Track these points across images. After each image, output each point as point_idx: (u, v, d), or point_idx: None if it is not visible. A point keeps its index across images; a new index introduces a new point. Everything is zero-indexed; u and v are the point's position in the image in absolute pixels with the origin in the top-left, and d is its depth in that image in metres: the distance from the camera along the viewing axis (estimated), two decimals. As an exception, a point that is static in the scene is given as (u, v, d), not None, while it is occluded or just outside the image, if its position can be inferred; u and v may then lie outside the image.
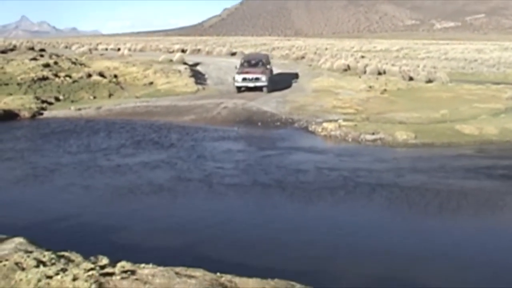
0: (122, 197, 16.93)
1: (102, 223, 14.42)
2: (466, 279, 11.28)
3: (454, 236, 14.00)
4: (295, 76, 47.91)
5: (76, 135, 26.24)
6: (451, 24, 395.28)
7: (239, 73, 39.78)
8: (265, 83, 38.93)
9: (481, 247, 13.35)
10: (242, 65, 41.62)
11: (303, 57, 64.94)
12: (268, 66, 41.92)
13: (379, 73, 50.04)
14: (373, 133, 25.67)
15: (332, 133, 26.34)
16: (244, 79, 39.02)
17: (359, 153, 23.09)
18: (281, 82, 43.32)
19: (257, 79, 38.84)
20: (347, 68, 52.42)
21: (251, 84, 38.90)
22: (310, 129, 27.65)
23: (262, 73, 39.39)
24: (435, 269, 11.61)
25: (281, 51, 75.44)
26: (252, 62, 41.87)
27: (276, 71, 49.35)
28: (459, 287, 10.94)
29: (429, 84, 44.85)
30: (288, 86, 42.24)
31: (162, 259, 9.62)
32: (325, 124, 27.41)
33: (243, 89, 39.35)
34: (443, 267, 11.71)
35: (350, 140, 25.37)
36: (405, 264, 11.97)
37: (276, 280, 8.79)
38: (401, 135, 25.28)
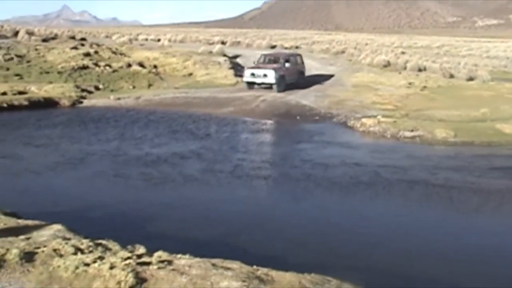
0: (155, 186, 17.05)
1: (135, 212, 14.50)
2: None
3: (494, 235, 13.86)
4: (333, 72, 47.48)
5: (114, 124, 26.46)
6: (494, 21, 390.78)
7: (249, 67, 38.70)
8: (273, 81, 36.25)
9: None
10: (259, 60, 39.99)
11: (343, 52, 64.59)
12: (287, 65, 38.53)
13: (420, 70, 49.61)
14: (412, 130, 25.48)
15: (371, 129, 26.21)
16: (252, 75, 37.14)
17: (397, 150, 22.94)
18: (320, 76, 43.14)
19: (265, 76, 36.47)
20: (387, 64, 52.05)
21: (258, 80, 36.87)
22: (348, 124, 27.53)
23: (273, 70, 36.68)
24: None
25: (321, 45, 75.08)
26: (269, 59, 39.78)
27: (315, 65, 49.21)
28: None
29: (470, 82, 44.30)
30: (327, 80, 41.89)
31: (196, 248, 9.64)
32: (364, 120, 27.29)
33: (255, 86, 37.34)
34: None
35: (388, 136, 25.22)
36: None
37: (312, 274, 8.75)
38: (441, 133, 25.05)
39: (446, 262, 11.66)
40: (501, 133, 25.58)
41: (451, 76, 47.09)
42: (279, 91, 36.11)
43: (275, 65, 37.77)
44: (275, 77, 36.18)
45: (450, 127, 25.73)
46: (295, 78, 38.99)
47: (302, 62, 41.61)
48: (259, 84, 37.01)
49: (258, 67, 37.73)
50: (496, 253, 12.56)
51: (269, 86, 36.68)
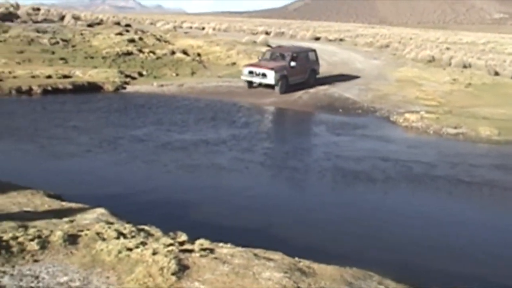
0: (190, 173, 17.26)
1: (168, 198, 14.62)
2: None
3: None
4: (376, 66, 47.06)
5: (155, 110, 26.60)
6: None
7: (247, 65, 35.19)
8: (272, 82, 32.74)
9: None
10: (263, 57, 36.30)
11: (387, 46, 64.14)
12: (293, 64, 34.17)
13: (464, 66, 49.08)
14: (455, 127, 25.27)
15: (414, 124, 26.04)
16: (250, 73, 33.61)
17: (440, 146, 22.77)
18: (363, 70, 42.91)
19: (263, 76, 32.92)
20: (432, 59, 51.61)
21: (257, 80, 33.38)
22: (391, 119, 27.36)
23: (273, 70, 32.82)
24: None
25: (365, 38, 74.62)
26: (275, 55, 35.60)
27: (359, 58, 48.99)
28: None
29: (516, 80, 43.81)
30: (369, 75, 41.55)
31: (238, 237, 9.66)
32: (407, 115, 27.13)
33: (254, 84, 33.88)
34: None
35: (431, 132, 25.03)
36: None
37: (354, 269, 8.71)
38: (484, 131, 24.82)
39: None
40: (547, 133, 25.25)
41: (496, 73, 46.48)
42: (281, 92, 33.02)
43: (278, 64, 33.93)
44: (275, 78, 32.74)
45: (494, 125, 25.47)
46: (303, 77, 35.37)
47: (316, 59, 37.26)
48: (258, 84, 33.65)
49: (258, 65, 34.10)
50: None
51: (270, 86, 33.28)
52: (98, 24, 60.32)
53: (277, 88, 33.05)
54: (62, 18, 60.25)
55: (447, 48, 69.64)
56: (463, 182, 17.74)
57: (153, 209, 13.43)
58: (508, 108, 30.46)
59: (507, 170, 19.62)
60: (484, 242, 13.09)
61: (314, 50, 37.78)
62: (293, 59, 34.44)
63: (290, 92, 32.37)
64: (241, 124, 24.68)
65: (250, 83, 34.02)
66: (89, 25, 56.93)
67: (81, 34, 47.88)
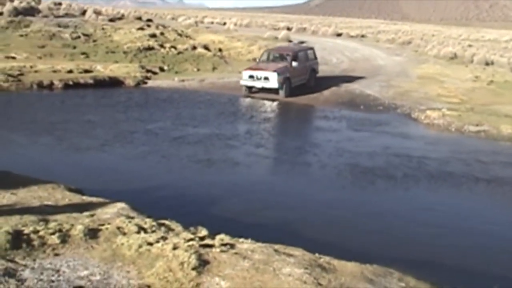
0: (211, 167, 17.38)
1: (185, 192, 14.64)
2: None
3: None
4: (398, 63, 46.80)
5: (176, 105, 26.73)
6: None
7: (247, 68, 32.13)
8: (276, 85, 30.33)
9: None
10: (261, 58, 33.73)
11: (409, 42, 63.94)
12: (295, 64, 31.84)
13: (487, 64, 48.77)
14: (477, 125, 25.10)
15: (435, 121, 25.90)
16: (251, 77, 30.95)
17: (461, 144, 22.63)
18: (384, 67, 42.77)
19: (266, 79, 30.45)
20: (454, 56, 51.36)
21: (258, 84, 30.80)
22: (413, 116, 27.20)
23: (276, 72, 30.46)
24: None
25: (387, 35, 74.45)
26: (274, 56, 33.10)
27: (381, 55, 48.85)
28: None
29: (538, 78, 43.47)
30: (391, 72, 41.32)
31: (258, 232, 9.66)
32: (428, 112, 26.97)
33: (253, 89, 31.41)
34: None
35: (453, 130, 24.88)
36: None
37: (374, 266, 8.68)
38: (506, 129, 24.62)
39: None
40: None
41: (519, 71, 46.18)
42: (285, 96, 30.72)
43: (279, 65, 31.37)
44: (278, 81, 30.37)
45: (516, 123, 25.28)
46: (304, 78, 33.22)
47: (315, 58, 35.26)
48: (260, 88, 31.12)
49: (259, 68, 31.38)
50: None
51: (273, 91, 30.83)
52: (120, 19, 60.52)
53: (281, 92, 30.67)
54: (83, 12, 60.50)
55: (470, 45, 69.25)
56: (484, 180, 17.61)
57: (172, 204, 13.45)
58: (531, 106, 30.24)
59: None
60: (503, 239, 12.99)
61: (312, 48, 36.18)
62: (294, 59, 32.10)
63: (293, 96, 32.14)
64: (261, 120, 24.79)
65: (249, 89, 31.44)
66: (111, 20, 57.17)
67: (103, 28, 48.11)
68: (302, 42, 54.73)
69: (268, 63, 32.14)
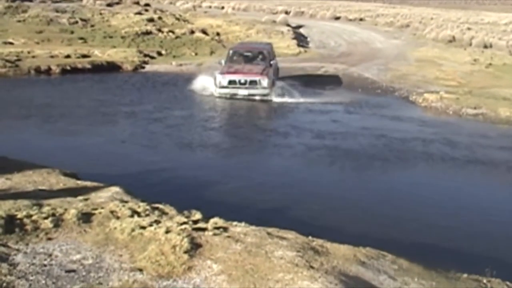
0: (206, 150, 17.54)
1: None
2: None
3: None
4: (396, 46, 46.70)
5: (173, 88, 26.76)
6: None
7: (223, 73, 25.87)
8: (267, 90, 25.40)
9: None
10: (230, 59, 27.50)
11: (407, 26, 63.77)
12: (271, 62, 27.41)
13: (485, 47, 48.70)
14: (475, 108, 25.06)
15: (433, 104, 25.87)
16: (231, 82, 25.39)
17: (459, 127, 22.62)
18: (382, 50, 42.72)
19: (253, 83, 25.38)
20: (452, 40, 51.26)
21: (243, 91, 25.31)
22: (410, 99, 27.14)
23: (263, 73, 25.72)
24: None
25: (386, 18, 74.22)
26: (246, 56, 28.05)
27: (379, 38, 48.79)
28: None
29: (537, 61, 43.39)
30: (389, 55, 41.25)
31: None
32: (426, 95, 26.94)
33: (227, 96, 25.53)
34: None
35: (451, 113, 24.85)
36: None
37: (367, 248, 8.70)
38: (504, 112, 24.58)
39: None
40: None
41: (518, 54, 46.10)
42: (275, 99, 25.58)
43: (260, 66, 26.56)
44: (269, 85, 25.55)
45: (514, 106, 25.26)
46: (276, 79, 27.89)
47: (274, 56, 29.44)
48: (244, 95, 25.51)
49: (239, 71, 25.98)
50: None
51: (261, 97, 25.53)
52: (117, 3, 60.36)
53: (272, 98, 25.52)
54: (81, -3, 60.37)
55: (468, 28, 68.98)
56: (479, 162, 17.64)
57: (168, 187, 13.45)
58: (529, 89, 30.19)
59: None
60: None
61: (270, 44, 31.52)
62: (270, 58, 27.76)
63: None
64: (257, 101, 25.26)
65: (225, 96, 25.58)
66: (108, 5, 57.05)
67: (100, 13, 48.06)
68: (300, 26, 54.82)
69: (243, 65, 26.92)
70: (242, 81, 25.46)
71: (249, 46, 31.15)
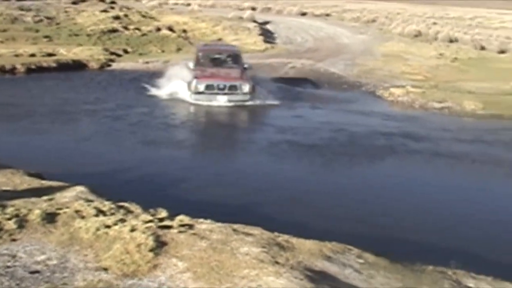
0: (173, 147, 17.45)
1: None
2: None
3: None
4: (363, 41, 46.91)
5: (138, 85, 26.54)
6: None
7: (199, 77, 23.46)
8: (247, 96, 23.33)
9: None
10: (199, 62, 24.91)
11: (374, 21, 64.08)
12: (245, 66, 25.09)
13: (451, 41, 49.12)
14: (440, 101, 25.28)
15: (400, 99, 26.04)
16: (208, 87, 23.12)
17: (424, 120, 22.81)
18: (349, 45, 42.89)
19: (233, 89, 23.23)
20: (418, 34, 51.62)
21: (221, 98, 23.03)
22: (377, 93, 27.29)
23: (243, 78, 23.90)
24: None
25: (352, 13, 74.50)
26: (217, 58, 25.79)
27: (346, 33, 49.01)
28: None
29: (502, 55, 43.76)
30: (356, 50, 41.41)
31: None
32: (392, 89, 27.11)
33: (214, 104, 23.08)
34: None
35: (417, 106, 25.04)
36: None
37: (333, 243, 8.74)
38: (469, 105, 24.83)
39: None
40: (532, 107, 25.36)
41: (482, 48, 46.51)
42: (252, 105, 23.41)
43: (237, 70, 24.60)
44: (250, 89, 23.41)
45: (479, 100, 25.49)
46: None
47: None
48: (222, 102, 23.16)
49: (215, 76, 23.70)
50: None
51: (238, 103, 23.27)
52: (83, 1, 59.75)
53: (249, 103, 23.40)
54: (46, -5, 59.87)
55: (434, 23, 69.49)
56: (445, 155, 17.81)
57: (134, 185, 13.38)
58: (494, 82, 30.48)
59: (486, 143, 19.73)
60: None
61: (236, 47, 29.52)
62: (242, 60, 25.85)
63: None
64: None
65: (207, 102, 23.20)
66: (74, 2, 56.52)
67: (66, 11, 47.70)
68: (267, 22, 54.75)
69: (217, 68, 24.62)
70: (221, 86, 23.18)
71: (219, 47, 28.97)
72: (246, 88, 23.25)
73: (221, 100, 23.05)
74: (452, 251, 10.21)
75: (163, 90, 24.48)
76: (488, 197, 14.78)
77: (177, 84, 24.29)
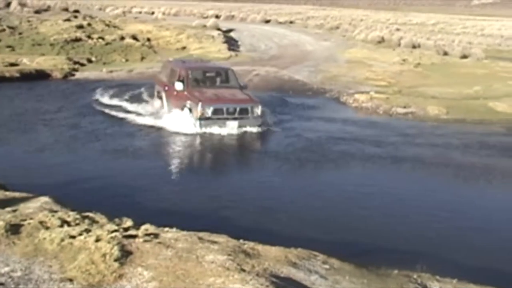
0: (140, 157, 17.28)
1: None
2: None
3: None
4: (326, 48, 47.20)
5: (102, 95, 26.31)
6: (490, 0, 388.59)
7: (205, 101, 19.79)
8: (260, 120, 20.37)
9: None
10: (187, 82, 21.00)
11: (337, 28, 64.67)
12: (242, 84, 22.61)
13: (414, 47, 49.68)
14: (404, 107, 25.49)
15: (364, 104, 26.18)
16: (217, 112, 19.74)
17: (388, 126, 22.95)
18: (313, 52, 43.08)
19: (243, 112, 20.09)
20: (382, 40, 52.12)
21: (232, 124, 19.67)
22: (341, 99, 27.44)
23: (253, 99, 20.88)
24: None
25: (316, 20, 75.02)
26: (210, 77, 22.39)
27: (309, 40, 49.22)
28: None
29: (464, 60, 44.36)
30: (319, 57, 41.63)
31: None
32: (356, 96, 27.27)
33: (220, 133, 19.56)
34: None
35: (381, 112, 25.22)
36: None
37: (299, 249, 8.79)
38: (433, 110, 25.11)
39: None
40: (493, 111, 25.73)
41: (445, 53, 47.10)
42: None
43: (236, 89, 21.69)
44: (262, 113, 20.56)
45: (442, 104, 25.80)
46: None
47: None
48: (232, 130, 19.73)
49: (221, 99, 20.34)
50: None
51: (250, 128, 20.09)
52: (46, 10, 59.67)
53: (260, 128, 20.34)
54: (8, 4, 59.37)
55: (397, 29, 70.25)
56: (408, 160, 17.98)
57: (99, 195, 13.29)
58: (457, 87, 30.85)
59: (446, 147, 19.91)
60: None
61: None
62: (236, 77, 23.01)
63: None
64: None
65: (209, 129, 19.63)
66: (36, 12, 56.27)
67: (28, 21, 47.32)
68: (231, 30, 54.87)
69: (214, 89, 21.42)
70: (231, 109, 20.00)
71: (206, 64, 25.36)
72: (258, 110, 20.26)
73: (231, 127, 19.64)
74: (415, 253, 10.30)
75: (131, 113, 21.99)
76: (437, 199, 14.89)
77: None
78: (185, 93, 20.47)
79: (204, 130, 19.41)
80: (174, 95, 21.11)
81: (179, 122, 19.80)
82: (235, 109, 19.90)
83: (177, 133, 19.56)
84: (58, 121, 20.96)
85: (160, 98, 22.69)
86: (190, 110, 19.77)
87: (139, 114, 21.82)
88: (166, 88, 22.11)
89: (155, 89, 23.77)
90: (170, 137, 19.47)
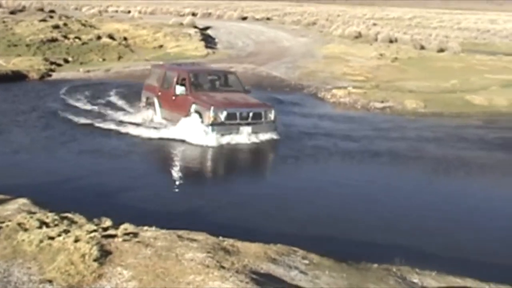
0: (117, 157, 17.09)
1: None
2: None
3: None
4: (303, 44, 47.28)
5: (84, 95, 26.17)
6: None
7: (217, 105, 18.17)
8: (274, 125, 18.91)
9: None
10: (191, 86, 19.41)
11: (314, 23, 64.74)
12: (246, 88, 20.90)
13: (391, 41, 49.86)
14: (382, 101, 25.59)
15: (342, 100, 26.27)
16: (230, 117, 18.16)
17: (366, 120, 23.03)
18: (290, 48, 43.12)
19: (257, 117, 18.59)
20: (359, 36, 52.27)
21: (246, 129, 18.18)
22: (319, 95, 27.53)
23: (266, 104, 19.88)
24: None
25: (293, 16, 75.06)
26: (213, 80, 20.93)
27: (286, 36, 49.25)
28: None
29: (441, 54, 44.60)
30: (297, 53, 41.69)
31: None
32: (334, 91, 27.35)
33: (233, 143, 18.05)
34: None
35: (359, 107, 25.32)
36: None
37: (278, 245, 8.81)
38: (411, 104, 25.23)
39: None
40: (470, 104, 25.90)
41: (422, 47, 47.33)
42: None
43: (242, 94, 20.10)
44: (275, 118, 19.06)
45: (420, 98, 25.96)
46: None
47: None
48: (247, 136, 18.21)
49: (233, 102, 18.88)
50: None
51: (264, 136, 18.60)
52: (21, 11, 59.24)
53: (274, 135, 18.87)
54: (-18, 6, 59.04)
55: (374, 24, 70.48)
56: (385, 154, 17.99)
57: (77, 195, 13.19)
58: (434, 81, 31.01)
59: (422, 140, 19.99)
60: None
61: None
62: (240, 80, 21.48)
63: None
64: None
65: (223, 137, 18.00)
66: (12, 12, 55.81)
67: (3, 22, 46.93)
68: (208, 27, 54.79)
69: (220, 93, 19.75)
70: (244, 114, 18.46)
71: (208, 67, 24.97)
72: (272, 115, 18.84)
73: (246, 133, 18.17)
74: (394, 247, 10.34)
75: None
76: (406, 192, 15.01)
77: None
78: (189, 97, 18.91)
79: (217, 136, 17.78)
80: (172, 100, 19.56)
81: (186, 129, 18.02)
82: (248, 114, 18.38)
83: (189, 144, 17.77)
84: (36, 121, 20.77)
85: (151, 104, 20.93)
86: (202, 115, 18.10)
87: (129, 124, 19.81)
88: (159, 93, 20.50)
89: (143, 96, 21.78)
90: (181, 150, 17.86)
